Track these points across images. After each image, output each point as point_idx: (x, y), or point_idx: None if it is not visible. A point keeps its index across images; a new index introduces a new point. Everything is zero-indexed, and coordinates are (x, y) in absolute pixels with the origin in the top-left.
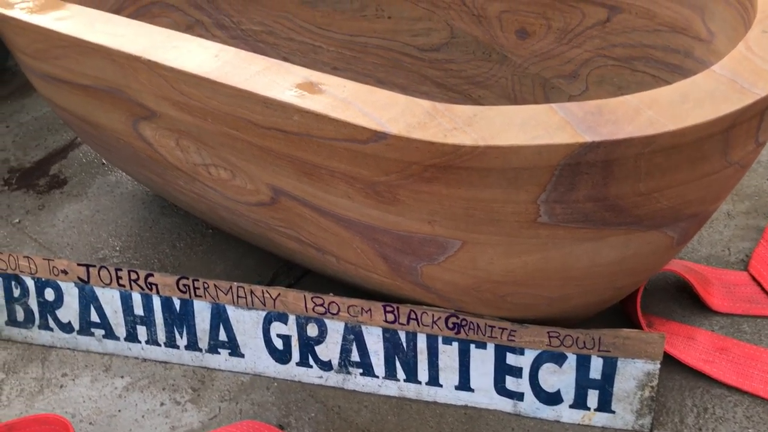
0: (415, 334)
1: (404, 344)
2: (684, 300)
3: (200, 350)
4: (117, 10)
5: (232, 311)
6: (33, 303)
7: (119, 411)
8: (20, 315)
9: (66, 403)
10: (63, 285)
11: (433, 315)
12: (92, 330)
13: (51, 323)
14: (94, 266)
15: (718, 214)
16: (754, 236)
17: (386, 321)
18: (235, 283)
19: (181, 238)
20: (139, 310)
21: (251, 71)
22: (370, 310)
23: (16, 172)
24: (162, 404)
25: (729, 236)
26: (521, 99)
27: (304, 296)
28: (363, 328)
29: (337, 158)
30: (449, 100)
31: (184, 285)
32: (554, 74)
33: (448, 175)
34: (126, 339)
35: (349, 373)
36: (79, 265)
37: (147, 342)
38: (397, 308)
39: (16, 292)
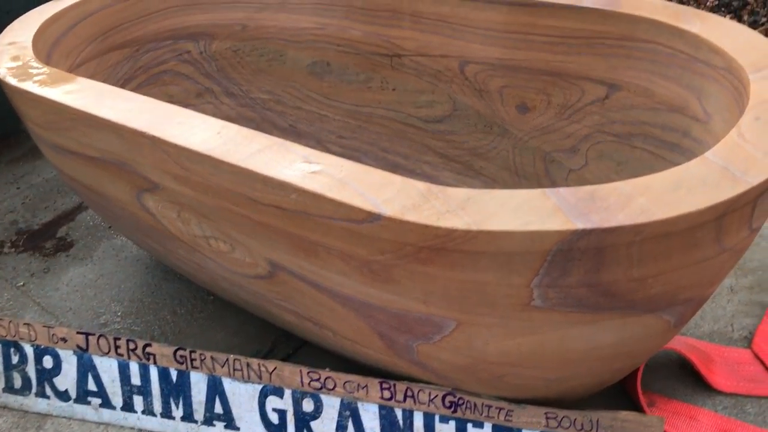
0: (411, 412)
1: (401, 422)
2: (687, 378)
3: (196, 422)
4: (129, 79)
5: (228, 384)
6: (31, 370)
7: None
8: (18, 382)
9: None
10: (62, 353)
11: (429, 393)
12: (89, 399)
13: (48, 391)
14: (93, 334)
15: (720, 289)
16: (758, 312)
17: (383, 398)
18: (232, 356)
19: (182, 305)
20: (136, 380)
21: (252, 149)
22: (366, 386)
23: (24, 233)
24: None
25: (732, 312)
26: (522, 171)
27: (300, 371)
28: (359, 404)
29: (334, 236)
30: (451, 170)
31: (182, 356)
32: (554, 148)
33: (441, 257)
34: (122, 408)
35: None
36: (78, 333)
37: (143, 412)
38: (394, 385)
39: (15, 359)
